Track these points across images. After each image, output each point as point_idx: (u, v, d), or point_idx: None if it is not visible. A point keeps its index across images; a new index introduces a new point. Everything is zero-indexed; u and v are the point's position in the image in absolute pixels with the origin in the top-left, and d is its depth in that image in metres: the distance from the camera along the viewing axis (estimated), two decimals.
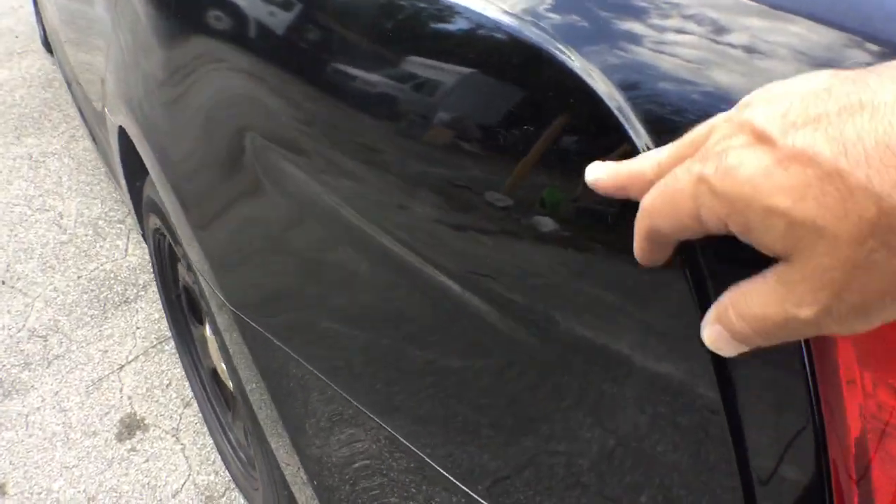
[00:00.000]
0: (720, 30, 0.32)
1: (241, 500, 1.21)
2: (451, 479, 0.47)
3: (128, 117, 0.93)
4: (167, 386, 1.43)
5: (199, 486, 1.23)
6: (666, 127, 0.31)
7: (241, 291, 0.71)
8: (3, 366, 1.47)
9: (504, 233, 0.38)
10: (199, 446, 1.30)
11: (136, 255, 1.78)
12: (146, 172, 0.94)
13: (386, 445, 0.54)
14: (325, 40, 0.50)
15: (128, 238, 1.85)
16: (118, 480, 1.24)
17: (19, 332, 1.55)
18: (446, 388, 0.46)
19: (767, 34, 0.31)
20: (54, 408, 1.37)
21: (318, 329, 0.60)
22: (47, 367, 1.46)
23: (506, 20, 0.37)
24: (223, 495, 1.22)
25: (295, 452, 0.70)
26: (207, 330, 1.13)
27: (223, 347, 0.84)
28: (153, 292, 1.64)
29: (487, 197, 0.38)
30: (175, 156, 0.77)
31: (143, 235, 1.27)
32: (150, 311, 1.61)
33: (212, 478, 1.25)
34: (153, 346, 1.52)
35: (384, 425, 0.53)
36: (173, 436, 1.32)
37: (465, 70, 0.40)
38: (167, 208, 0.86)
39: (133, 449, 1.30)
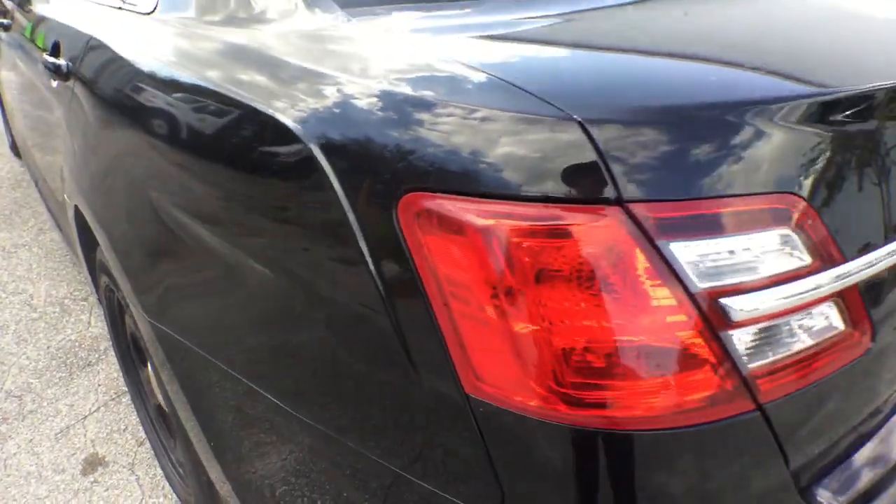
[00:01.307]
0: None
1: None
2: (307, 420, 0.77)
3: (80, 200, 1.25)
4: (124, 430, 1.66)
5: None
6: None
7: (155, 306, 1.01)
8: None
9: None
10: (150, 476, 1.53)
11: (97, 327, 2.04)
12: (96, 242, 1.24)
13: (258, 407, 0.83)
14: (196, 146, 0.85)
15: (90, 313, 2.10)
16: None
17: None
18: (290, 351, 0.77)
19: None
20: (28, 452, 1.59)
21: (212, 324, 0.90)
22: (22, 421, 1.68)
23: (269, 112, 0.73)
24: None
25: (203, 437, 0.98)
26: (149, 369, 1.39)
27: (157, 375, 1.12)
28: (111, 357, 1.90)
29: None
30: (113, 223, 1.10)
31: (98, 296, 1.55)
32: (110, 371, 1.86)
33: (161, 500, 1.47)
34: (112, 399, 1.76)
35: (259, 389, 0.82)
36: (129, 469, 1.55)
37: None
38: (109, 263, 1.16)
39: (95, 481, 1.52)
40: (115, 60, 1.12)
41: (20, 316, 2.10)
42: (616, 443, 0.56)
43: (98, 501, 1.49)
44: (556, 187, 0.53)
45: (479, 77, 0.61)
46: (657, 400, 0.55)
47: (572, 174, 0.53)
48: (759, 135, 0.57)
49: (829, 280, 0.60)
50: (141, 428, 1.64)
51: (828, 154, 0.62)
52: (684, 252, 0.53)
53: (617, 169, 0.52)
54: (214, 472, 1.04)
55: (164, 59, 0.97)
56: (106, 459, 1.60)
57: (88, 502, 1.49)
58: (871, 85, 0.66)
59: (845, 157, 0.64)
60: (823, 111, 0.62)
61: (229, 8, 0.95)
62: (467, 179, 0.56)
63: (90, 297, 2.17)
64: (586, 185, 0.53)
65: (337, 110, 0.66)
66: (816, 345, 0.62)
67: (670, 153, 0.54)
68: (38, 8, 1.76)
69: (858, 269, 0.62)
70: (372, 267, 0.61)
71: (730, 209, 0.54)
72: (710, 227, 0.54)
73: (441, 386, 0.60)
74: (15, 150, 3.02)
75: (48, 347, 1.96)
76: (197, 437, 1.04)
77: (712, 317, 0.55)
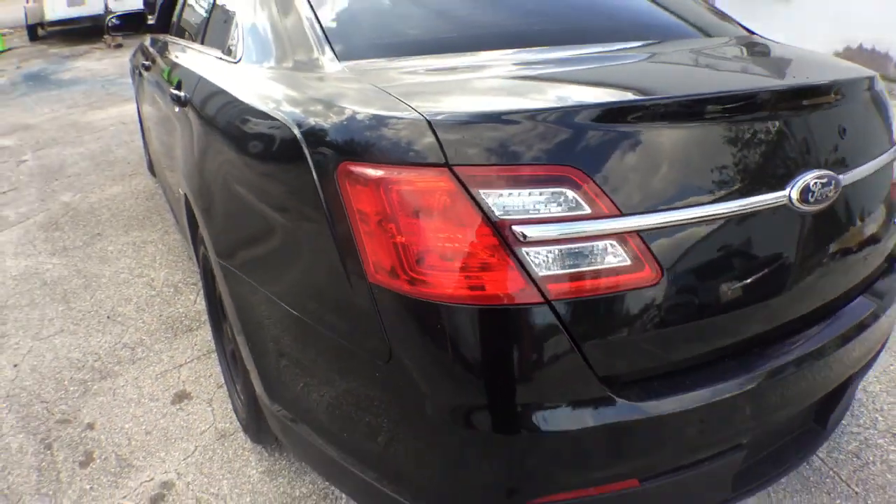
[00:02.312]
0: None
1: (243, 436, 1.83)
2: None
3: (187, 189, 1.73)
4: (209, 377, 2.11)
5: (219, 429, 1.87)
6: None
7: (225, 253, 1.43)
8: (104, 362, 2.21)
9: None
10: (223, 409, 1.95)
11: (200, 305, 2.55)
12: (197, 222, 1.71)
13: (274, 309, 1.22)
14: (242, 147, 1.27)
15: (197, 294, 2.63)
16: (167, 424, 1.90)
17: (116, 345, 2.31)
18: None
19: None
20: (133, 385, 2.08)
21: (250, 257, 1.30)
22: (132, 364, 2.19)
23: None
24: (232, 434, 1.85)
25: (246, 344, 1.38)
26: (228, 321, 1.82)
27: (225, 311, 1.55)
28: (208, 327, 2.38)
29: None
30: (204, 201, 1.55)
31: (197, 265, 2.02)
32: (205, 336, 2.34)
33: (227, 425, 1.89)
34: (204, 355, 2.23)
35: (274, 297, 1.21)
36: (208, 403, 1.99)
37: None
38: (201, 230, 1.61)
39: (181, 409, 1.96)
40: (212, 93, 1.60)
41: (142, 293, 2.67)
42: (452, 312, 0.88)
43: (179, 421, 1.93)
44: (413, 158, 0.88)
45: (384, 95, 0.99)
46: (474, 286, 0.87)
47: (421, 150, 0.89)
48: (552, 130, 0.90)
49: (603, 225, 0.89)
50: (222, 377, 2.09)
51: (610, 143, 0.92)
52: (489, 197, 0.87)
53: (447, 146, 0.89)
54: (250, 365, 1.43)
55: (237, 94, 1.42)
56: (191, 395, 2.05)
57: (172, 421, 1.93)
58: (657, 98, 0.95)
59: (626, 146, 0.93)
60: (607, 114, 0.92)
61: (274, 59, 1.40)
62: (369, 155, 0.93)
63: (198, 283, 2.70)
64: (429, 156, 0.88)
65: (317, 123, 1.05)
66: (600, 269, 0.90)
67: (483, 138, 0.89)
68: (172, 56, 2.36)
69: (635, 223, 0.91)
70: (325, 205, 0.98)
71: (523, 172, 0.86)
72: (508, 182, 0.86)
73: (357, 279, 0.95)
74: (151, 169, 3.75)
75: (160, 316, 2.50)
76: (241, 341, 1.44)
77: (508, 237, 0.87)
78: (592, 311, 0.92)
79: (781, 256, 1.08)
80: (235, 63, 1.60)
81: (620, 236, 0.91)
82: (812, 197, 1.07)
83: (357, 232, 0.95)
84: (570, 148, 0.91)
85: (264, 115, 1.22)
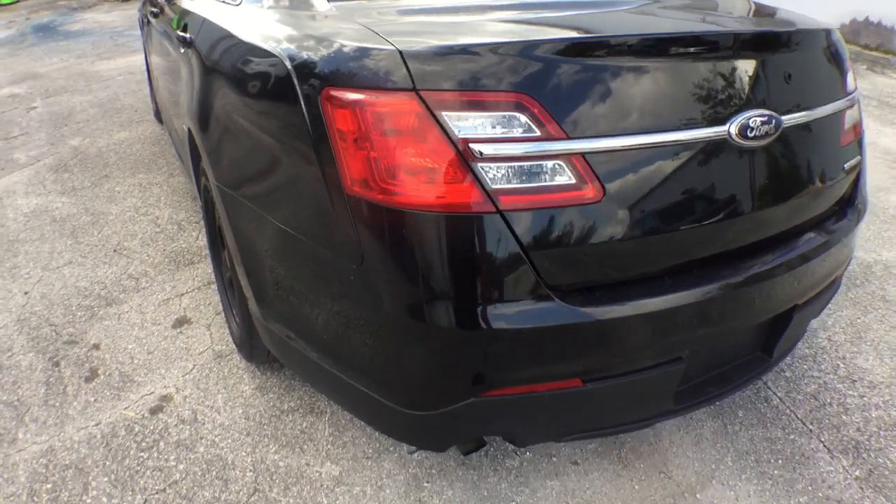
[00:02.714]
0: None
1: (238, 357, 1.96)
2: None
3: (191, 123, 1.81)
4: (208, 305, 2.23)
5: (216, 351, 2.00)
6: None
7: (223, 178, 1.52)
8: (110, 291, 2.33)
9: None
10: (220, 332, 2.07)
11: (202, 241, 2.66)
12: (199, 154, 1.79)
13: (264, 225, 1.31)
14: (240, 84, 1.35)
15: (199, 231, 2.74)
16: (168, 345, 2.03)
17: (121, 275, 2.43)
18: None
19: None
20: (137, 311, 2.21)
21: (242, 178, 1.40)
22: (137, 293, 2.31)
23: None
24: (228, 355, 1.98)
25: (241, 259, 1.48)
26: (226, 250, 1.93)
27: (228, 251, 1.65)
28: (209, 260, 2.49)
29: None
30: (205, 131, 1.63)
31: (199, 195, 2.12)
32: (206, 268, 2.45)
33: (224, 347, 2.01)
34: (204, 285, 2.34)
35: (262, 211, 1.30)
36: (206, 327, 2.11)
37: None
38: (202, 160, 1.70)
39: (181, 332, 2.09)
40: (215, 32, 1.67)
41: (147, 229, 2.78)
42: (415, 218, 0.99)
43: (179, 343, 2.06)
44: (386, 83, 0.97)
45: (365, 31, 1.08)
46: (435, 196, 0.96)
47: (393, 77, 0.98)
48: (508, 62, 1.01)
49: (551, 147, 0.97)
50: (221, 305, 2.21)
51: (561, 75, 1.00)
52: (451, 118, 0.96)
53: (416, 74, 0.98)
54: (244, 282, 1.54)
55: (236, 32, 1.49)
56: (191, 320, 2.18)
57: (173, 343, 2.06)
58: (604, 35, 1.03)
59: (576, 79, 1.01)
60: (559, 48, 1.00)
61: (272, 0, 1.47)
62: (348, 81, 1.02)
63: (201, 221, 2.80)
64: (399, 82, 0.98)
65: (306, 56, 1.13)
66: (547, 186, 0.99)
67: (448, 68, 0.98)
68: (179, 2, 2.42)
69: (580, 146, 0.99)
70: (310, 127, 1.07)
71: (480, 98, 0.95)
72: (468, 106, 0.95)
73: (337, 192, 1.04)
74: (158, 116, 3.83)
75: (164, 250, 2.62)
76: (237, 262, 1.55)
77: (465, 153, 0.95)
78: (540, 223, 1.01)
79: (721, 186, 1.17)
80: (237, 6, 1.67)
81: (567, 157, 1.00)
82: (751, 133, 1.16)
83: (337, 150, 1.03)
84: (524, 78, 0.99)
85: (261, 51, 1.29)
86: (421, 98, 0.97)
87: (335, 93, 1.03)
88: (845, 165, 1.48)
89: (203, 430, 1.73)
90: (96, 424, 1.75)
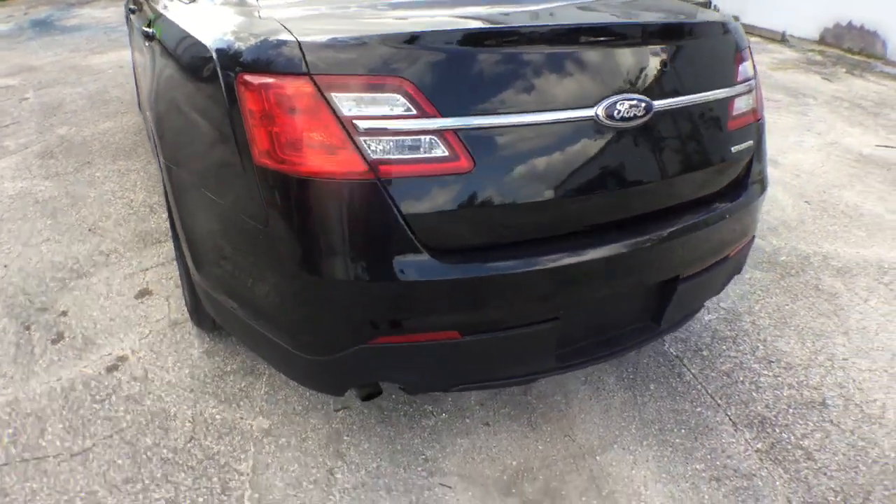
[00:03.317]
0: None
1: (191, 325, 2.18)
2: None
3: (148, 108, 2.04)
4: (169, 279, 2.46)
5: (171, 319, 2.23)
6: None
7: (168, 155, 1.75)
8: (81, 265, 2.57)
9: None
10: (178, 304, 2.30)
11: None
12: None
13: (194, 191, 1.53)
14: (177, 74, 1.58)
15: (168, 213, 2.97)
16: (129, 314, 2.26)
17: (93, 252, 2.67)
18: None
19: None
20: (104, 283, 2.44)
21: (181, 153, 1.62)
22: (105, 267, 2.55)
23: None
24: (182, 323, 2.21)
25: (182, 228, 1.70)
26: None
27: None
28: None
29: None
30: (157, 115, 1.86)
31: (161, 178, 2.35)
32: (171, 248, 2.68)
33: (179, 316, 2.24)
34: (168, 262, 2.58)
35: (194, 180, 1.53)
36: (165, 299, 2.34)
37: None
38: (155, 140, 1.93)
39: (142, 302, 2.32)
40: (166, 28, 1.90)
41: (121, 211, 3.02)
42: (308, 184, 1.20)
43: (140, 312, 2.27)
44: (286, 69, 1.18)
45: (276, 24, 1.28)
46: (323, 164, 1.17)
47: (292, 63, 1.18)
48: (390, 49, 1.20)
49: (425, 124, 1.18)
50: (180, 280, 2.43)
51: (438, 61, 1.20)
52: (338, 98, 1.16)
53: (310, 60, 1.17)
54: (184, 246, 1.76)
55: (182, 25, 1.72)
56: (152, 292, 2.40)
57: (133, 312, 2.28)
58: (477, 27, 1.23)
59: (452, 64, 1.22)
60: (435, 38, 1.20)
61: None
62: (257, 67, 1.22)
63: None
64: (296, 67, 1.18)
65: (226, 46, 1.34)
66: (422, 157, 1.19)
67: (338, 55, 1.18)
68: (152, 2, 2.67)
69: (452, 123, 1.19)
70: (227, 104, 1.29)
71: (364, 80, 1.15)
72: (353, 87, 1.16)
73: (248, 163, 1.26)
74: (140, 106, 4.08)
75: (135, 230, 2.85)
76: (180, 231, 1.77)
77: (350, 128, 1.16)
78: (416, 190, 1.21)
79: (591, 163, 1.35)
80: (188, 4, 1.90)
81: (440, 133, 1.20)
82: (618, 115, 1.34)
83: (248, 126, 1.24)
84: (403, 64, 1.19)
85: (196, 43, 1.51)
86: (314, 81, 1.17)
87: (247, 77, 1.24)
88: (733, 149, 1.64)
89: (152, 387, 1.95)
90: (58, 380, 1.97)
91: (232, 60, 1.29)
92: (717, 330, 2.35)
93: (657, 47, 1.45)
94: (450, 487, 1.66)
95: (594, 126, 1.34)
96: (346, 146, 1.17)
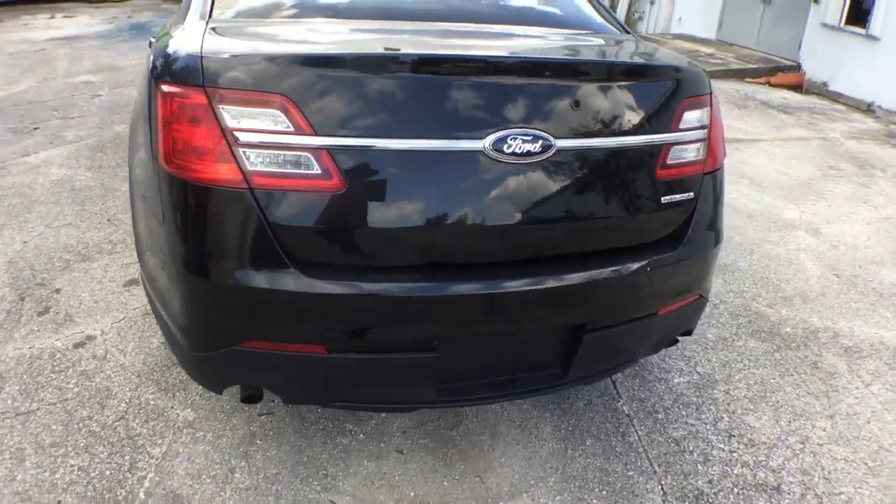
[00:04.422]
0: None
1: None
2: None
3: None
4: None
5: (146, 309, 2.47)
6: None
7: (132, 154, 1.98)
8: (89, 250, 2.89)
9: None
10: None
11: None
12: None
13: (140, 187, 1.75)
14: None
15: None
16: (113, 299, 2.52)
17: (104, 240, 2.99)
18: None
19: None
20: (101, 269, 2.74)
21: (137, 159, 1.84)
22: (109, 255, 2.86)
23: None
24: None
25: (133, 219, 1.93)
26: None
27: None
28: None
29: None
30: (130, 128, 2.12)
31: None
32: None
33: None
34: None
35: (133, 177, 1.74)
36: None
37: None
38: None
39: (128, 290, 2.59)
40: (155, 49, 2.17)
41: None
42: (191, 188, 1.35)
43: (122, 299, 2.51)
44: (186, 80, 1.34)
45: (195, 41, 1.45)
46: (205, 171, 1.32)
47: (191, 75, 1.34)
48: (276, 68, 1.33)
49: (300, 140, 1.30)
50: None
51: (320, 82, 1.33)
52: (224, 110, 1.31)
53: (206, 73, 1.32)
54: (136, 235, 1.98)
55: (161, 44, 1.96)
56: (139, 283, 2.68)
57: (117, 298, 2.52)
58: (361, 53, 1.35)
59: (333, 87, 1.34)
60: (320, 61, 1.34)
61: (184, 21, 1.91)
62: (169, 77, 1.39)
63: None
64: (194, 79, 1.33)
65: (158, 58, 1.52)
66: (295, 173, 1.31)
67: (230, 70, 1.33)
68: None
69: (327, 142, 1.31)
70: (148, 110, 1.48)
71: (248, 96, 1.30)
72: (238, 100, 1.31)
73: (157, 165, 1.44)
74: None
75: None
76: (133, 219, 2.00)
77: (231, 139, 1.31)
78: (286, 203, 1.33)
79: (477, 197, 1.39)
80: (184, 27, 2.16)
81: (315, 151, 1.32)
82: (508, 149, 1.38)
83: (158, 131, 1.43)
84: (286, 82, 1.32)
85: (149, 56, 1.73)
86: (206, 93, 1.32)
87: (161, 86, 1.41)
88: (663, 199, 1.62)
89: (106, 367, 2.18)
90: (30, 347, 2.25)
91: (157, 71, 1.48)
92: (682, 394, 2.28)
93: (569, 85, 1.48)
94: None
95: (481, 159, 1.38)
96: (227, 156, 1.31)
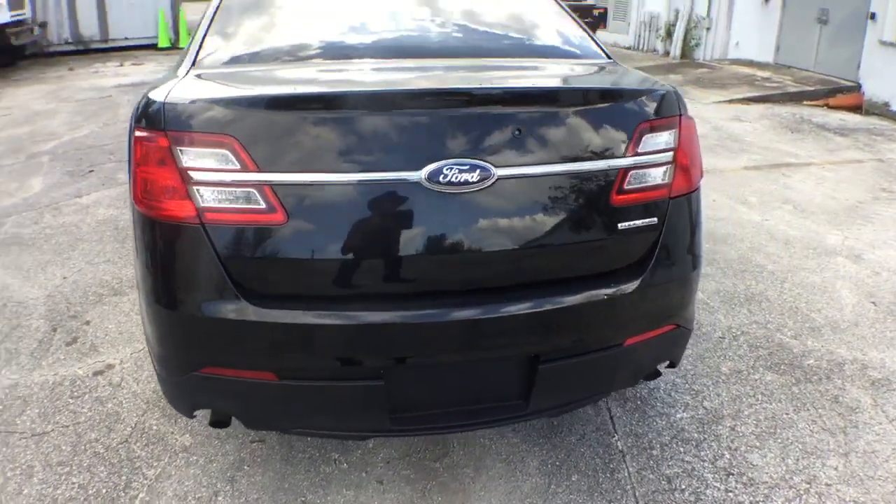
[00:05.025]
0: None
1: None
2: None
3: None
4: None
5: None
6: None
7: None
8: (122, 286, 3.14)
9: None
10: None
11: None
12: None
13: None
14: None
15: None
16: (135, 330, 2.73)
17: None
18: None
19: None
20: (130, 304, 2.97)
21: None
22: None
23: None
24: None
25: None
26: None
27: None
28: None
29: None
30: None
31: None
32: None
33: None
34: None
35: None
36: None
37: None
38: None
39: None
40: None
41: None
42: (153, 224, 1.49)
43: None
44: (152, 125, 1.48)
45: (167, 89, 1.60)
46: (163, 209, 1.46)
47: (155, 120, 1.49)
48: (225, 111, 1.46)
49: (246, 177, 1.43)
50: None
51: (264, 122, 1.45)
52: (181, 152, 1.44)
53: (167, 118, 1.46)
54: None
55: None
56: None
57: (140, 330, 2.77)
58: (302, 92, 1.48)
59: (276, 126, 1.45)
60: (265, 103, 1.47)
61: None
62: (143, 122, 1.54)
63: None
64: (157, 124, 1.46)
65: (140, 104, 1.68)
66: (241, 208, 1.43)
67: (186, 114, 1.46)
68: None
69: (270, 178, 1.43)
70: (128, 154, 1.65)
71: (199, 138, 1.43)
72: (192, 142, 1.44)
73: (132, 205, 1.59)
74: None
75: None
76: None
77: (186, 178, 1.45)
78: (233, 237, 1.45)
79: (415, 227, 1.46)
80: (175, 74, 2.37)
81: (259, 186, 1.43)
82: (444, 179, 1.44)
83: (133, 173, 1.59)
84: (232, 123, 1.44)
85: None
86: (167, 136, 1.46)
87: (136, 131, 1.56)
88: (620, 226, 1.60)
89: (119, 394, 2.36)
90: (54, 374, 2.47)
91: (135, 117, 1.63)
92: (683, 429, 2.23)
93: (511, 112, 1.52)
94: None
95: (418, 190, 1.44)
96: (183, 193, 1.45)
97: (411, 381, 1.60)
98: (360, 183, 1.46)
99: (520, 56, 2.05)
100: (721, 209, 4.29)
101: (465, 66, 1.86)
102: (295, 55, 1.94)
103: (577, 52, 2.12)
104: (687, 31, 10.39)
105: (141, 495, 1.91)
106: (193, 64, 1.89)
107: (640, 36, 11.72)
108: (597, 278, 1.64)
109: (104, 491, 1.92)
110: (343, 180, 1.45)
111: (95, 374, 2.48)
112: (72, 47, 11.54)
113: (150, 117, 1.51)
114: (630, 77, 1.85)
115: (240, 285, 1.48)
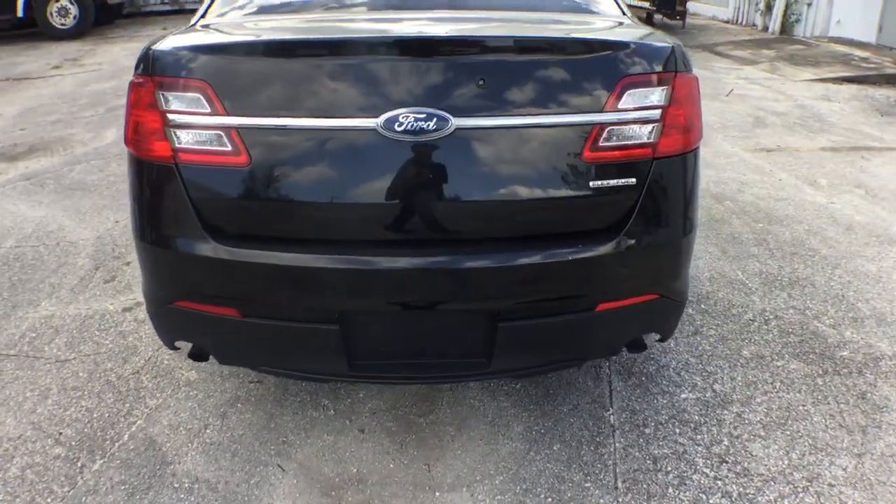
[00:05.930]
0: None
1: None
2: None
3: None
4: None
5: None
6: None
7: None
8: None
9: None
10: None
11: None
12: None
13: None
14: None
15: None
16: None
17: None
18: None
19: None
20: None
21: None
22: None
23: None
24: None
25: None
26: None
27: None
28: None
29: None
30: None
31: None
32: None
33: None
34: None
35: None
36: None
37: None
38: None
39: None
40: None
41: None
42: (139, 163, 1.57)
43: None
44: (143, 71, 1.54)
45: (156, 43, 1.64)
46: (147, 148, 1.53)
47: (146, 66, 1.54)
48: (201, 57, 1.49)
49: (215, 121, 1.46)
50: None
51: (235, 68, 1.48)
52: (163, 95, 1.49)
53: (155, 64, 1.51)
54: None
55: None
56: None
57: None
58: (272, 39, 1.48)
59: (246, 71, 1.47)
60: (236, 48, 1.48)
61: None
62: (136, 69, 1.62)
63: None
64: (147, 70, 1.52)
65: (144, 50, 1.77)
66: (210, 150, 1.47)
67: (170, 60, 1.51)
68: None
69: (236, 121, 1.46)
70: (129, 95, 1.73)
71: (176, 82, 1.48)
72: (172, 87, 1.48)
73: (126, 147, 1.68)
74: None
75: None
76: None
77: (165, 120, 1.50)
78: (202, 177, 1.50)
79: (371, 174, 1.45)
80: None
81: (226, 129, 1.47)
82: (400, 127, 1.42)
83: (127, 115, 1.66)
84: (205, 68, 1.48)
85: None
86: (153, 81, 1.52)
87: (134, 77, 1.64)
88: (592, 184, 1.52)
89: (141, 329, 2.52)
90: (88, 308, 2.67)
91: (135, 64, 1.72)
92: (684, 410, 2.11)
93: (474, 62, 1.47)
94: (283, 470, 1.87)
95: (375, 137, 1.44)
96: (161, 135, 1.51)
97: (369, 328, 1.61)
98: (320, 129, 1.47)
99: (520, 10, 1.97)
100: (785, 189, 3.99)
101: (450, 18, 1.80)
102: (296, 8, 1.96)
103: (590, 8, 2.01)
104: (787, 6, 9.59)
105: (139, 422, 2.04)
106: (203, 16, 1.95)
107: (738, 9, 10.94)
108: (564, 238, 1.56)
109: (107, 415, 2.07)
110: (303, 125, 1.47)
111: (124, 310, 2.65)
112: (167, 7, 12.17)
113: (144, 65, 1.57)
114: (631, 32, 1.72)
115: (207, 224, 1.53)
